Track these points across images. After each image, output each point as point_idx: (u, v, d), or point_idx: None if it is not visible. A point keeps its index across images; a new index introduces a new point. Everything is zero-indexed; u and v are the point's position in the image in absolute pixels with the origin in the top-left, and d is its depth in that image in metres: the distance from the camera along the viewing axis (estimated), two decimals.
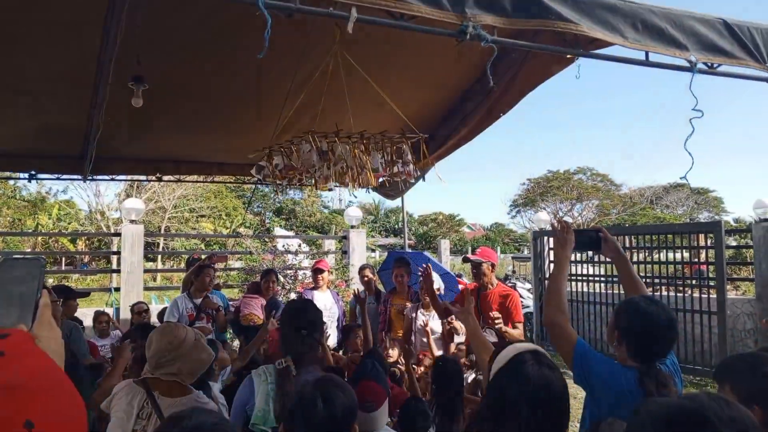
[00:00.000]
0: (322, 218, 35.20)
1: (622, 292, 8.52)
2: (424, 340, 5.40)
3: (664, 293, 9.59)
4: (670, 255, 9.84)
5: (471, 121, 5.48)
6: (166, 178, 7.47)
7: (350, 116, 4.54)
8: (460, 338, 5.18)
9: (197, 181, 8.13)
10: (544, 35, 3.29)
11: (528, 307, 12.34)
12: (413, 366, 4.46)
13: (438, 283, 5.57)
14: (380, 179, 4.44)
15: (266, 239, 14.10)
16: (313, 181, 4.32)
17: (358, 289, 5.87)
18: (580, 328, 10.47)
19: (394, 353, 4.81)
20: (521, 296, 13.10)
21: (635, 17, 2.26)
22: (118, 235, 11.19)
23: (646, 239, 10.18)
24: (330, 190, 4.98)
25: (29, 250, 20.69)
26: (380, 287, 6.90)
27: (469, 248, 30.64)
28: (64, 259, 23.58)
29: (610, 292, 10.35)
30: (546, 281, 11.27)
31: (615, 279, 10.35)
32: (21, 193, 24.85)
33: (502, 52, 2.18)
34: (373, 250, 27.01)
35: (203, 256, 7.14)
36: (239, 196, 31.22)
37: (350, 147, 3.83)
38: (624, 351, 2.17)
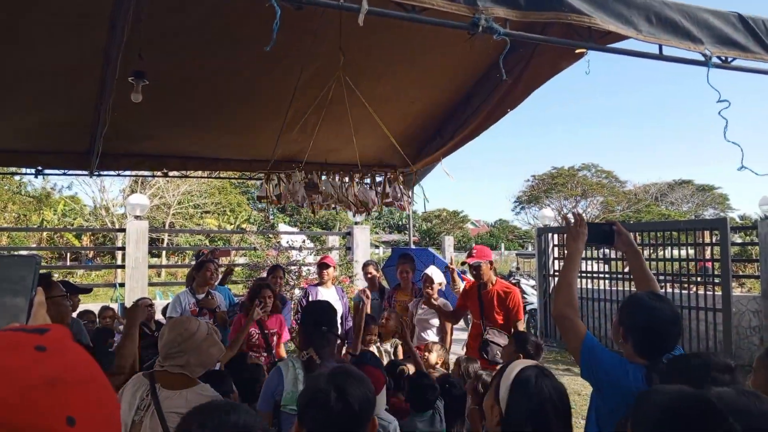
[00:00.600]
0: (326, 214, 35.18)
1: (627, 288, 8.53)
2: (423, 334, 5.41)
3: (669, 290, 9.56)
4: (675, 252, 9.81)
5: (477, 118, 5.46)
6: (171, 173, 7.47)
7: (352, 118, 4.51)
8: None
9: (202, 177, 8.13)
10: (554, 29, 3.27)
11: (532, 303, 12.32)
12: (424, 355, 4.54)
13: (440, 278, 5.56)
14: (373, 209, 4.44)
15: (270, 235, 14.11)
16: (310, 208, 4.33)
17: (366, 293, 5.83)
18: (586, 325, 10.45)
19: (390, 324, 4.87)
20: (525, 293, 13.13)
21: (649, 10, 2.23)
22: (123, 230, 11.22)
23: (651, 236, 10.14)
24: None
25: (34, 245, 20.76)
26: (384, 283, 6.89)
27: (473, 244, 30.65)
28: (69, 254, 23.65)
29: (615, 289, 10.32)
30: (550, 278, 11.25)
31: (620, 276, 10.33)
32: (26, 189, 24.93)
33: (510, 46, 2.15)
34: (377, 247, 27.00)
35: (205, 249, 7.16)
36: (243, 192, 31.24)
37: (339, 182, 3.80)
38: (630, 347, 2.15)
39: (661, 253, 9.95)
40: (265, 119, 6.11)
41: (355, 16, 1.99)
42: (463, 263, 5.56)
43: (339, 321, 5.89)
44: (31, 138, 6.20)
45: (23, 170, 7.58)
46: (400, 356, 4.68)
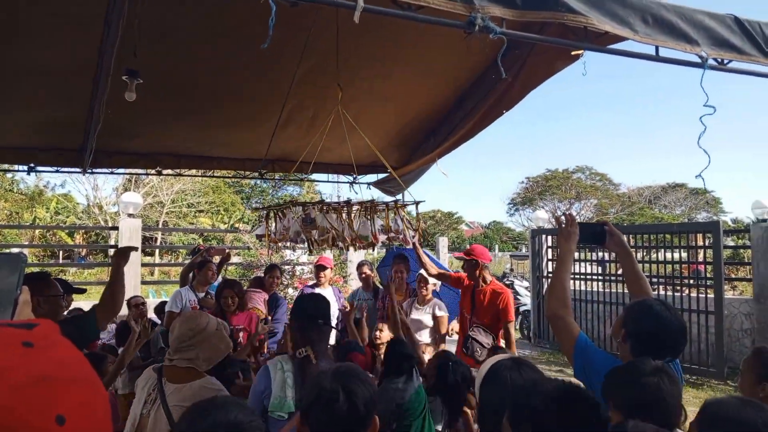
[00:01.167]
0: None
1: (621, 290, 8.54)
2: (416, 336, 5.41)
3: (662, 293, 9.59)
4: (668, 255, 9.84)
5: (473, 118, 5.46)
6: (165, 172, 7.43)
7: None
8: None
9: (196, 176, 8.10)
10: (550, 29, 3.27)
11: (526, 305, 12.34)
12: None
13: (434, 279, 5.58)
14: (377, 245, 4.40)
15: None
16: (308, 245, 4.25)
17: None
18: (580, 326, 10.46)
19: (384, 335, 4.86)
20: (518, 294, 13.14)
21: (645, 11, 2.23)
22: (116, 228, 11.16)
23: (645, 239, 10.18)
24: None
25: (26, 243, 20.62)
26: (378, 284, 6.88)
27: (467, 246, 30.68)
28: (61, 252, 23.52)
29: (608, 290, 10.35)
30: (543, 279, 11.27)
31: (614, 278, 10.35)
32: (18, 186, 24.78)
33: (507, 46, 2.15)
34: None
35: (202, 245, 7.14)
36: (238, 191, 31.17)
37: (336, 217, 3.73)
38: (628, 349, 2.15)
39: (654, 255, 9.98)
40: (260, 118, 6.09)
41: (351, 14, 1.98)
42: (459, 258, 5.58)
43: (336, 322, 5.88)
44: (24, 135, 6.15)
45: (16, 167, 7.52)
46: None
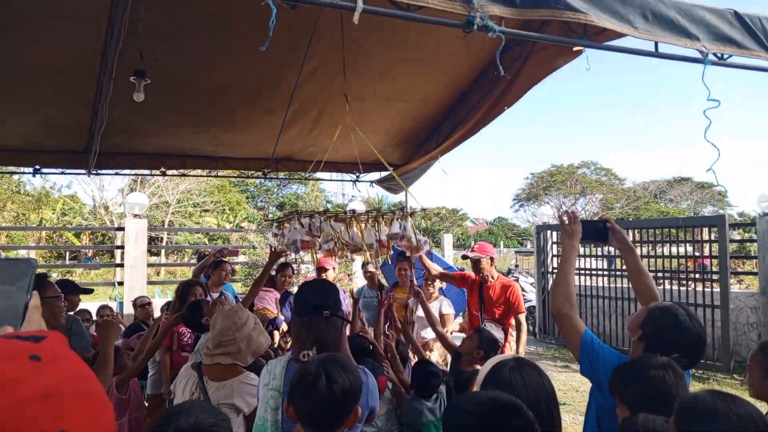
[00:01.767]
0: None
1: (627, 285, 8.52)
2: (422, 332, 5.42)
3: (668, 287, 9.57)
4: (674, 249, 9.81)
5: (475, 115, 5.46)
6: (170, 172, 7.47)
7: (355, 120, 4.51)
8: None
9: (201, 176, 8.12)
10: (550, 26, 3.28)
11: (530, 301, 12.33)
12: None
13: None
14: (383, 254, 4.37)
15: (269, 234, 14.07)
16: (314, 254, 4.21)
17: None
18: (585, 322, 10.44)
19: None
20: (523, 290, 13.12)
21: (645, 7, 2.23)
22: (122, 229, 11.21)
23: (650, 233, 10.15)
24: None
25: (33, 244, 20.74)
26: (383, 281, 6.89)
27: (472, 242, 30.62)
28: (68, 253, 23.64)
29: (614, 286, 10.33)
30: (549, 275, 11.25)
31: (619, 273, 10.33)
32: (25, 188, 24.90)
33: (507, 44, 2.15)
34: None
35: (208, 250, 7.14)
36: (242, 190, 31.24)
37: (343, 226, 3.69)
38: (641, 350, 2.13)
39: (660, 250, 9.95)
40: (264, 118, 6.11)
41: (352, 14, 1.99)
42: (463, 257, 5.59)
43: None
44: (30, 137, 6.20)
45: (21, 169, 7.57)
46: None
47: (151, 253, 17.85)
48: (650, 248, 10.04)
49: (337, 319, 2.14)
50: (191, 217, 26.98)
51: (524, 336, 4.94)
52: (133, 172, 7.78)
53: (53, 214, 24.29)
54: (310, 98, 5.63)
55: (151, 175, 7.83)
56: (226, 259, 5.91)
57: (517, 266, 18.58)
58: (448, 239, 16.87)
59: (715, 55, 2.36)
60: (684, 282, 9.65)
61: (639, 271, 2.53)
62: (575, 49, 3.52)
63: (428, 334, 5.40)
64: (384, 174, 7.64)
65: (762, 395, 2.36)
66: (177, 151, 7.07)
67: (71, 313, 5.12)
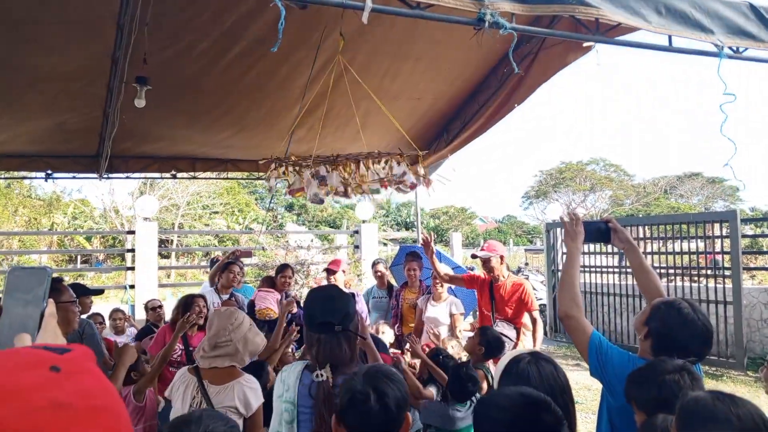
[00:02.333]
0: (333, 213, 35.25)
1: (636, 282, 8.42)
2: (430, 333, 5.41)
3: (679, 283, 9.49)
4: (685, 245, 9.73)
5: (485, 113, 5.45)
6: (180, 175, 7.51)
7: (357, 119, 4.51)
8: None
9: (211, 178, 8.18)
10: (561, 22, 3.25)
11: (541, 299, 12.28)
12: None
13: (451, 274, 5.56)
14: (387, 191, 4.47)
15: (278, 235, 14.13)
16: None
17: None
18: (595, 319, 10.40)
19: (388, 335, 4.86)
20: (534, 288, 13.07)
21: (658, 1, 2.20)
22: (133, 232, 11.28)
23: (661, 229, 10.08)
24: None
25: (45, 248, 20.90)
26: (392, 282, 6.88)
27: (482, 241, 30.57)
28: (79, 257, 23.82)
29: (624, 283, 10.26)
30: (559, 273, 11.19)
31: (629, 270, 10.26)
32: (36, 192, 25.10)
33: (516, 41, 2.13)
34: (385, 244, 27.00)
35: (222, 253, 7.16)
36: (251, 192, 31.34)
37: (347, 172, 3.80)
38: (648, 347, 2.12)
39: (671, 246, 9.88)
40: (273, 119, 6.12)
41: (360, 13, 1.98)
42: (473, 257, 5.54)
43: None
44: (41, 142, 6.25)
45: (33, 174, 7.63)
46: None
47: (161, 255, 17.95)
48: (661, 244, 9.97)
49: (350, 334, 2.05)
50: (201, 219, 27.09)
51: (540, 333, 4.91)
52: (144, 175, 7.83)
53: (64, 218, 24.47)
54: (317, 98, 5.63)
55: (161, 178, 7.86)
56: (236, 261, 5.92)
57: (526, 264, 18.50)
58: (457, 238, 16.81)
59: (730, 48, 2.34)
60: (696, 278, 9.57)
61: (644, 270, 2.51)
62: (585, 45, 3.50)
63: (441, 332, 5.38)
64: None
65: None
66: (187, 154, 7.10)
67: (84, 316, 5.16)
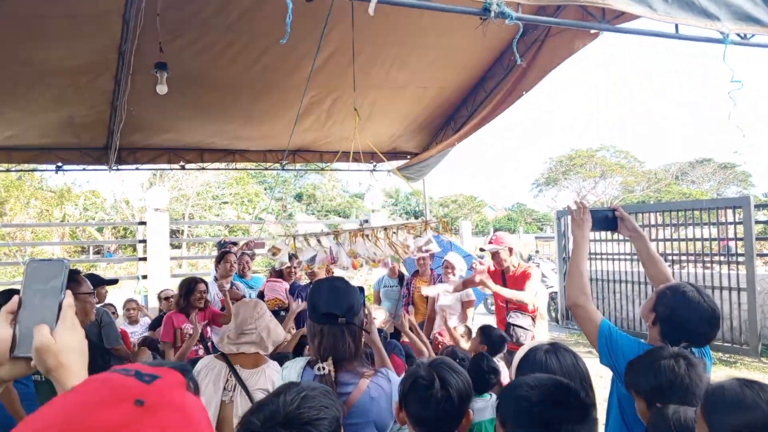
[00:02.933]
0: (342, 202, 35.29)
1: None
2: (449, 323, 5.41)
3: (692, 270, 9.44)
4: (698, 232, 9.66)
5: (493, 101, 5.41)
6: (189, 166, 7.55)
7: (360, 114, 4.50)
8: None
9: (219, 168, 8.22)
10: (567, 10, 3.23)
11: (552, 286, 12.25)
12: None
13: (461, 265, 5.56)
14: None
15: (288, 224, 14.17)
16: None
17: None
18: (606, 306, 10.39)
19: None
20: (545, 275, 13.05)
21: None
22: (144, 223, 11.36)
23: (673, 216, 10.00)
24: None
25: (57, 240, 21.11)
26: (404, 271, 6.90)
27: (491, 229, 30.51)
28: (92, 248, 24.04)
29: (635, 270, 10.22)
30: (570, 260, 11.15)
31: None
32: (47, 184, 25.31)
33: (524, 29, 2.12)
34: (395, 233, 26.98)
35: (234, 241, 7.20)
36: (261, 182, 31.42)
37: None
38: (657, 333, 2.13)
39: (683, 233, 9.81)
40: (281, 109, 6.13)
41: (365, 5, 1.98)
42: (481, 250, 5.54)
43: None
44: (52, 135, 6.30)
45: (44, 167, 7.70)
46: None
47: (172, 246, 18.08)
48: (673, 231, 9.90)
49: (354, 328, 1.95)
50: (210, 209, 27.22)
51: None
52: (153, 166, 7.87)
53: (75, 209, 24.68)
54: (323, 88, 5.64)
55: (170, 169, 7.89)
56: (233, 251, 5.92)
57: (537, 252, 18.45)
58: (466, 226, 16.77)
59: (737, 35, 2.31)
60: (709, 265, 9.51)
61: (651, 258, 2.51)
62: (592, 31, 3.47)
63: (451, 323, 5.39)
64: (401, 163, 7.63)
65: None
66: (195, 145, 7.14)
67: (99, 305, 5.22)
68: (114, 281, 5.17)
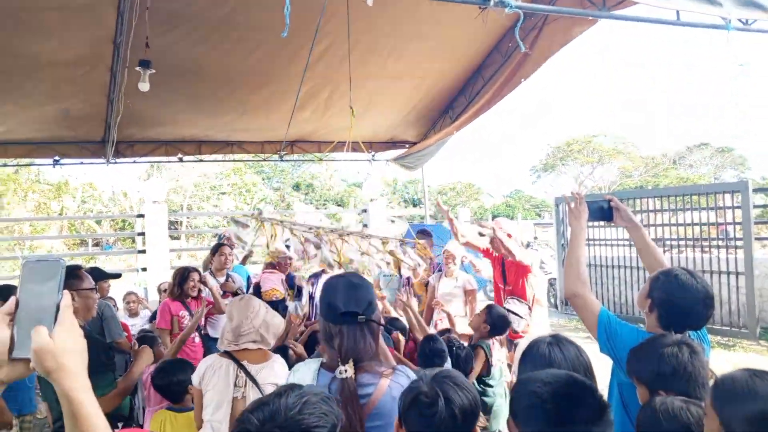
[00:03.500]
0: (341, 191, 35.23)
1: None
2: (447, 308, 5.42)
3: (690, 255, 9.46)
4: (696, 216, 9.67)
5: (490, 89, 5.39)
6: (186, 158, 7.53)
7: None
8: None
9: (217, 161, 8.19)
10: None
11: (550, 272, 12.28)
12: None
13: (463, 252, 5.56)
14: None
15: (287, 215, 14.13)
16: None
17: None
18: (604, 292, 10.42)
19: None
20: (543, 261, 13.06)
21: None
22: (142, 216, 11.34)
23: (671, 201, 10.01)
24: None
25: (56, 234, 21.09)
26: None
27: (490, 216, 30.50)
28: (90, 240, 24.01)
29: (633, 255, 10.23)
30: (568, 246, 11.16)
31: None
32: (45, 177, 25.23)
33: (522, 16, 2.10)
34: (393, 222, 27.01)
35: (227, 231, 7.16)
36: (258, 171, 31.34)
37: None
38: (654, 319, 2.14)
39: (681, 218, 9.82)
40: (278, 100, 6.10)
41: None
42: (480, 235, 5.52)
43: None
44: (48, 129, 6.26)
45: (41, 161, 7.67)
46: None
47: (171, 237, 18.07)
48: (671, 216, 9.91)
49: (373, 325, 1.85)
50: (209, 200, 27.18)
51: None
52: (151, 159, 7.83)
53: (73, 201, 24.61)
54: (321, 79, 5.60)
55: (168, 161, 7.87)
56: (227, 243, 5.89)
57: (536, 238, 18.47)
58: (464, 214, 16.76)
59: (739, 20, 2.29)
60: (707, 249, 9.52)
61: (647, 248, 2.51)
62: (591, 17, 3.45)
63: (451, 310, 5.40)
64: (399, 152, 7.62)
65: None
66: (192, 138, 7.11)
67: (101, 299, 5.20)
68: (117, 275, 5.15)
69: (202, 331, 4.73)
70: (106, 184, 25.43)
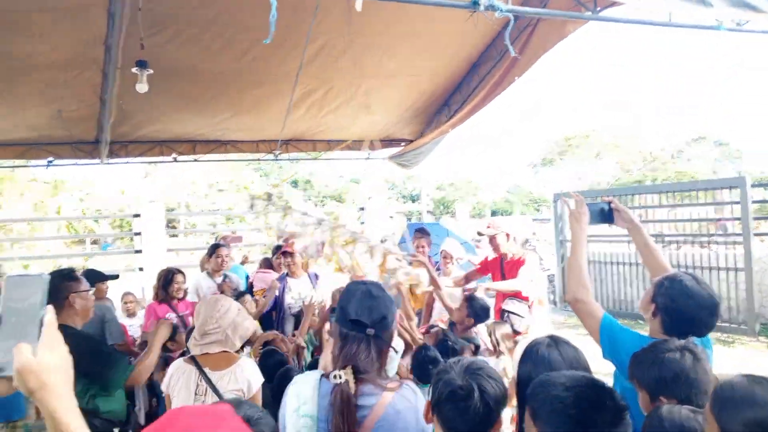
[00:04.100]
0: (339, 188, 35.19)
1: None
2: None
3: (689, 250, 9.45)
4: (694, 212, 9.66)
5: (485, 86, 5.37)
6: (181, 158, 7.51)
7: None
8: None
9: (212, 160, 8.20)
10: None
11: (549, 269, 12.27)
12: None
13: (459, 252, 5.53)
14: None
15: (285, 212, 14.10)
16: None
17: None
18: (605, 289, 10.42)
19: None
20: (542, 258, 13.02)
21: None
22: (139, 215, 11.31)
23: (670, 197, 10.00)
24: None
25: (54, 232, 21.05)
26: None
27: (488, 212, 30.52)
28: (88, 239, 23.96)
29: (633, 251, 10.23)
30: (567, 243, 11.16)
31: None
32: (42, 176, 25.15)
33: (514, 17, 2.08)
34: (391, 217, 26.99)
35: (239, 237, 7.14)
36: (255, 169, 31.30)
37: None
38: (657, 325, 2.10)
39: (680, 213, 9.82)
40: (272, 100, 6.07)
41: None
42: (479, 234, 5.49)
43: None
44: (41, 130, 6.23)
45: (34, 162, 7.64)
46: None
47: (169, 236, 18.05)
48: (670, 212, 9.90)
49: (382, 342, 1.78)
50: (206, 197, 27.15)
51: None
52: (145, 159, 7.80)
53: (71, 197, 24.55)
54: (316, 78, 5.57)
55: (162, 162, 7.86)
56: (225, 244, 5.88)
57: (534, 234, 18.43)
58: (462, 209, 16.68)
59: (732, 21, 2.26)
60: (706, 245, 9.51)
61: (648, 249, 2.49)
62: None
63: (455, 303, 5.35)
64: (396, 150, 7.60)
65: None
66: (187, 137, 7.08)
67: (100, 301, 5.16)
68: (115, 277, 5.12)
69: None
70: (104, 182, 25.38)
